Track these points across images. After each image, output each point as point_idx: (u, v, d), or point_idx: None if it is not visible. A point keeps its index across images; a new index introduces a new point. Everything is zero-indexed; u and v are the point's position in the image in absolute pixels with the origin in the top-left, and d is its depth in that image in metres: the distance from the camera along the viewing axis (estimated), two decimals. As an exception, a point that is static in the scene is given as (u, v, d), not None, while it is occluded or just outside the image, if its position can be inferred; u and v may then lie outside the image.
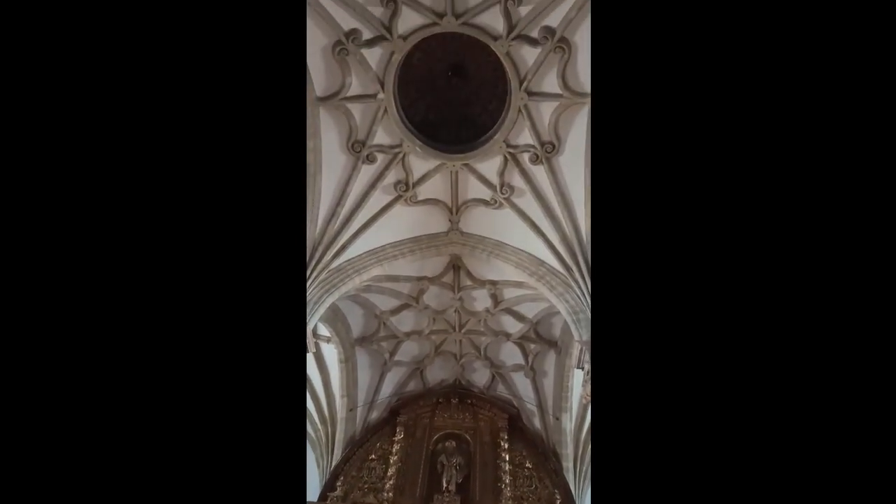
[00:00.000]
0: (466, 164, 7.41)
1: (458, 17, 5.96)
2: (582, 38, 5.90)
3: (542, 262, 7.58)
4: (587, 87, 6.28)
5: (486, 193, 7.66)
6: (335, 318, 9.51)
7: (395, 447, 9.82)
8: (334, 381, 10.31)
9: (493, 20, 5.97)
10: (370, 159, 7.18)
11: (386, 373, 10.54)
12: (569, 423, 10.15)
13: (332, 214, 7.34)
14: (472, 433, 10.10)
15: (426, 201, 7.84)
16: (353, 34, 6.09)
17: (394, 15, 5.96)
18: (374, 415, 10.70)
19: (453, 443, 9.99)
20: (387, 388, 10.69)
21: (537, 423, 10.57)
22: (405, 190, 7.58)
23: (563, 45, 6.00)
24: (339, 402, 10.28)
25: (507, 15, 5.88)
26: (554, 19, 5.84)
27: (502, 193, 7.50)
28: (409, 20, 6.04)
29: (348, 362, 10.07)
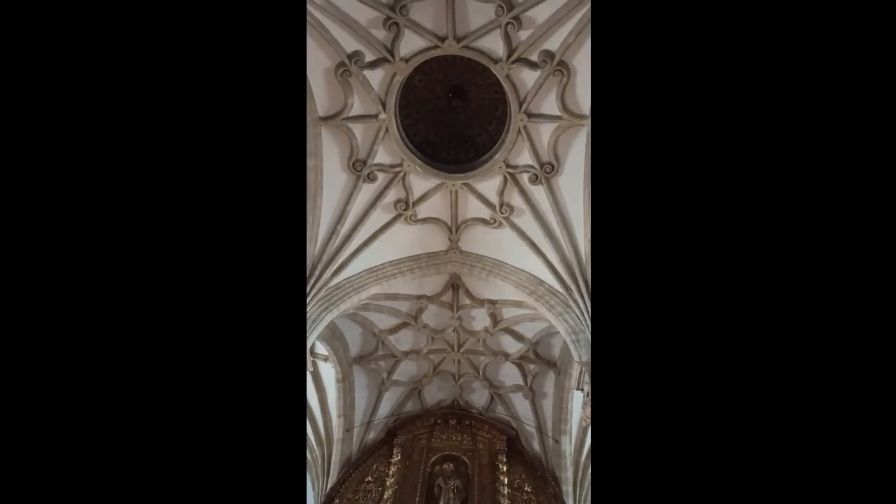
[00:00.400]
0: (466, 184, 7.46)
1: (459, 40, 6.08)
2: (580, 62, 6.01)
3: (541, 282, 7.58)
4: (586, 110, 6.37)
5: (485, 213, 7.70)
6: (333, 336, 9.45)
7: (392, 469, 9.67)
8: (331, 400, 10.20)
9: (494, 44, 6.09)
10: (371, 178, 7.24)
11: (383, 393, 10.44)
12: (568, 446, 10.00)
13: (332, 232, 7.36)
14: (471, 455, 9.95)
15: (426, 220, 7.87)
16: (355, 56, 6.20)
17: (396, 38, 6.08)
18: (371, 436, 10.55)
19: (451, 465, 9.84)
20: (384, 409, 10.57)
21: (536, 445, 10.42)
22: (405, 209, 7.62)
23: (562, 68, 6.11)
24: (336, 423, 10.15)
25: (508, 39, 6.00)
26: (553, 43, 5.96)
27: (502, 213, 7.54)
28: (410, 43, 6.15)
29: (346, 381, 9.98)
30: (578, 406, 8.98)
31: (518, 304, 8.58)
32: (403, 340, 9.83)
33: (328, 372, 9.91)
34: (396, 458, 9.85)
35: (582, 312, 6.87)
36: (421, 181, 7.45)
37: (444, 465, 9.83)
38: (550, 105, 6.48)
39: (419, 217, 7.78)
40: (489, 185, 7.42)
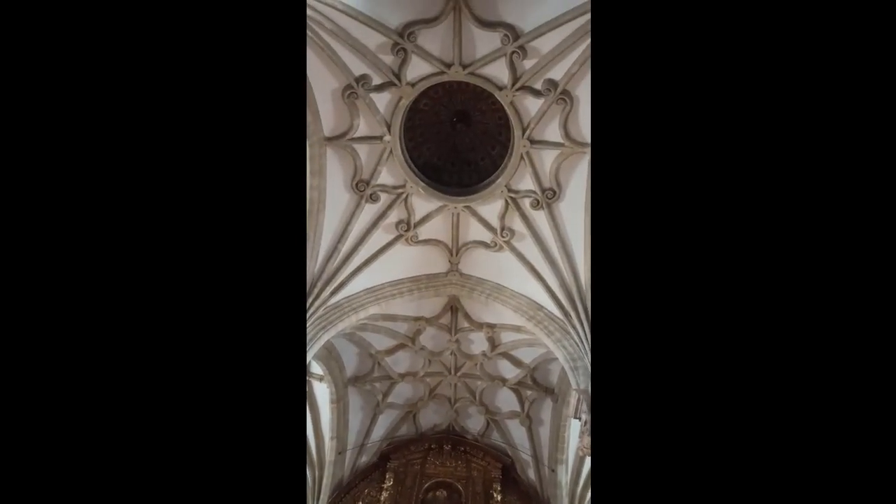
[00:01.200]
0: (468, 207, 7.51)
1: (465, 67, 6.20)
2: (583, 91, 6.12)
3: (540, 307, 7.55)
4: (588, 138, 6.46)
5: (486, 236, 7.72)
6: (329, 356, 9.36)
7: (384, 495, 9.47)
8: (325, 422, 10.03)
9: (499, 71, 6.22)
10: (373, 198, 7.29)
11: (378, 415, 10.29)
12: (564, 476, 9.80)
13: (333, 251, 7.37)
14: (465, 483, 9.76)
15: (427, 241, 7.89)
16: (363, 79, 6.32)
17: (403, 63, 6.21)
18: (364, 459, 10.36)
19: (444, 492, 9.64)
20: (378, 432, 10.40)
21: (532, 474, 10.22)
22: (406, 230, 7.65)
23: (565, 97, 6.22)
24: (329, 445, 9.97)
25: (513, 67, 6.13)
26: (557, 73, 6.08)
27: (502, 237, 7.56)
28: (417, 68, 6.28)
29: (340, 403, 9.84)
30: (576, 435, 8.82)
31: (517, 329, 8.53)
32: (400, 362, 9.74)
33: (322, 392, 9.78)
34: (389, 483, 9.66)
35: (581, 339, 6.82)
36: (423, 203, 7.50)
37: (438, 492, 9.63)
38: (553, 132, 6.57)
39: (420, 238, 7.81)
40: (491, 208, 7.47)
